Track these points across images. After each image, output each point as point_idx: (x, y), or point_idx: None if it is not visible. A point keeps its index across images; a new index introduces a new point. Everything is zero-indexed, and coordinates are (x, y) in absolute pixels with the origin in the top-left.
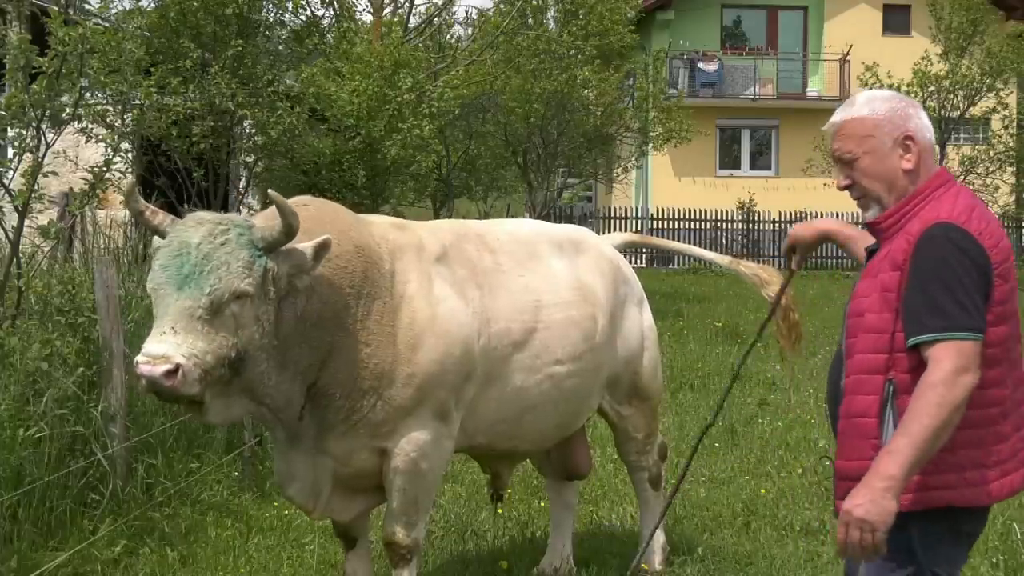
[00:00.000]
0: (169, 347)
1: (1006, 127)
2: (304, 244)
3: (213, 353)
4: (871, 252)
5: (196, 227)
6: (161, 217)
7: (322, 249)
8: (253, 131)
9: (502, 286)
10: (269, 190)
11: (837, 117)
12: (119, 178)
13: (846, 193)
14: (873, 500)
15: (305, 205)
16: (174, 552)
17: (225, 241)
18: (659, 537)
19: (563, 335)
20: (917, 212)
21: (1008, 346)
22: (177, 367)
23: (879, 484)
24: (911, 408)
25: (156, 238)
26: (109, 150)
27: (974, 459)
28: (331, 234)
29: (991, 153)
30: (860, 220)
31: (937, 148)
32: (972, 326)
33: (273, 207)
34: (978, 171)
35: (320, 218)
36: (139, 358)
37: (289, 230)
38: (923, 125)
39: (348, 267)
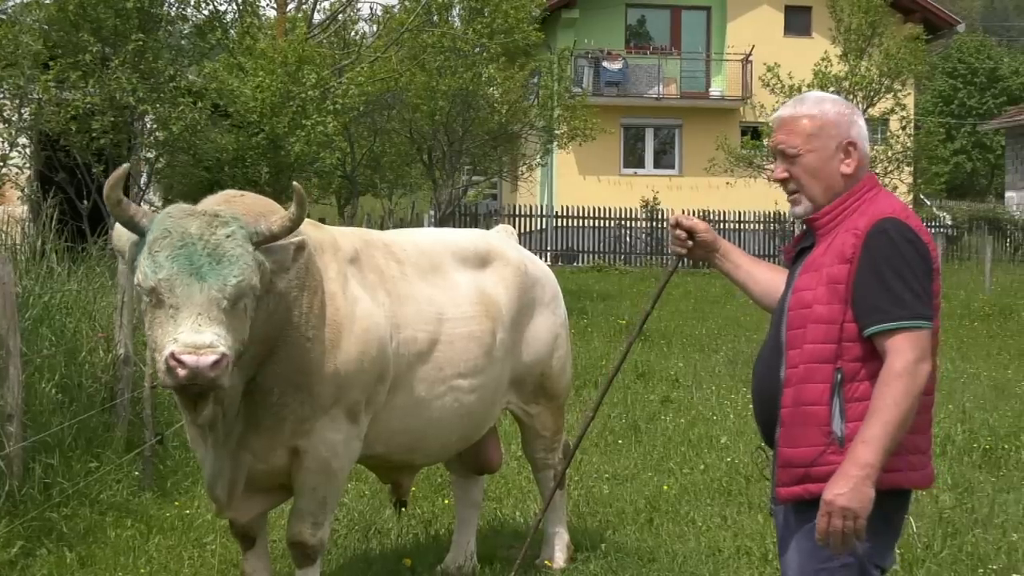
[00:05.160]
0: (212, 336)
1: (903, 128)
2: (284, 242)
3: (234, 347)
4: (801, 250)
5: (188, 218)
6: (135, 209)
7: (299, 251)
8: (154, 126)
9: (408, 295)
10: (295, 183)
11: (785, 111)
12: (16, 173)
13: (747, 192)
14: (854, 488)
15: (241, 196)
16: (72, 553)
17: (231, 234)
18: (562, 535)
19: (464, 349)
20: (855, 209)
21: (938, 338)
22: (223, 356)
23: (858, 472)
24: (880, 397)
25: (120, 229)
26: (6, 145)
27: (917, 444)
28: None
29: (889, 153)
30: (765, 218)
31: None
32: (927, 315)
33: (212, 198)
34: (876, 171)
35: (259, 210)
36: (176, 348)
37: (296, 226)
38: (864, 134)
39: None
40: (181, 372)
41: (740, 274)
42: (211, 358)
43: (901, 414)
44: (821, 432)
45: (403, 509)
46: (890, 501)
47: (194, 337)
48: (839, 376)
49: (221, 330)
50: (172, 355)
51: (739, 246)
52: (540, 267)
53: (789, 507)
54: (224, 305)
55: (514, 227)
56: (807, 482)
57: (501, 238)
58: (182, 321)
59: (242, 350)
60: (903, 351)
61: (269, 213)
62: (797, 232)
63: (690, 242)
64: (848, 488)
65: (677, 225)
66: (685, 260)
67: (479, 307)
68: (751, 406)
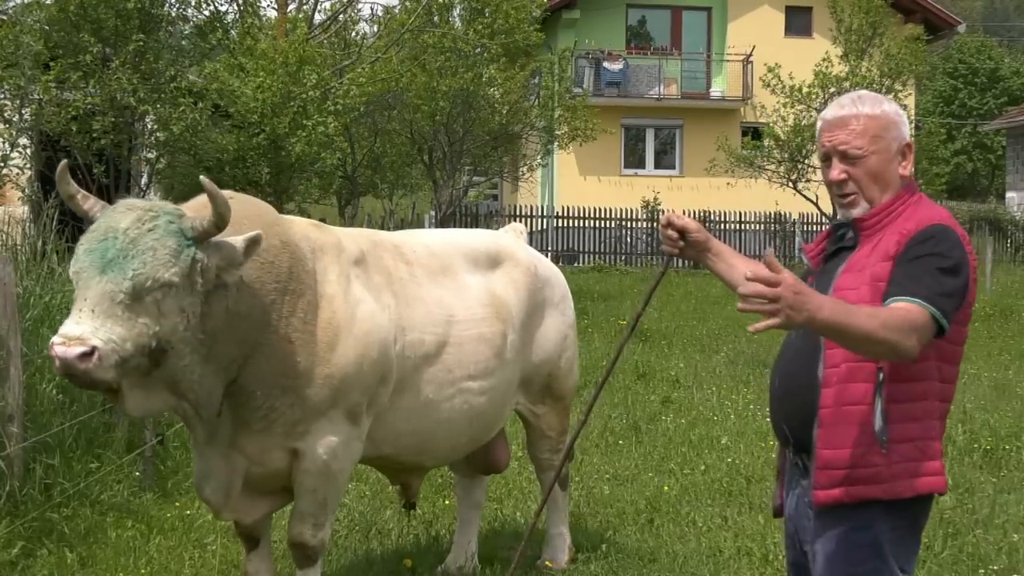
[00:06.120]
0: (86, 329)
1: None
2: (235, 238)
3: (132, 340)
4: (836, 250)
5: (125, 213)
6: (91, 203)
7: (252, 245)
8: (155, 127)
9: (417, 297)
10: (202, 177)
11: (845, 110)
12: (17, 174)
13: (748, 193)
14: (803, 308)
15: (231, 198)
16: (73, 554)
17: (153, 227)
18: (564, 535)
19: (474, 351)
20: (900, 213)
21: (964, 347)
22: (93, 350)
23: (814, 308)
24: (881, 310)
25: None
26: (7, 145)
27: (938, 450)
28: (258, 229)
29: None
30: (765, 219)
31: None
32: (942, 307)
33: (202, 197)
34: None
35: (245, 212)
36: (54, 338)
37: (220, 221)
38: None
39: (275, 262)
40: (56, 362)
41: (734, 275)
42: (77, 350)
43: (869, 333)
44: (865, 433)
45: (411, 511)
46: (918, 505)
47: (69, 328)
48: (881, 376)
49: (109, 324)
50: (52, 344)
51: (739, 247)
52: (549, 267)
53: (815, 511)
54: (120, 299)
55: None
56: (847, 484)
57: (511, 239)
58: (72, 312)
59: (159, 345)
60: (911, 312)
61: (255, 216)
62: (798, 233)
63: (681, 242)
64: (804, 299)
65: (668, 225)
66: (681, 260)
67: (489, 309)
68: (769, 407)
